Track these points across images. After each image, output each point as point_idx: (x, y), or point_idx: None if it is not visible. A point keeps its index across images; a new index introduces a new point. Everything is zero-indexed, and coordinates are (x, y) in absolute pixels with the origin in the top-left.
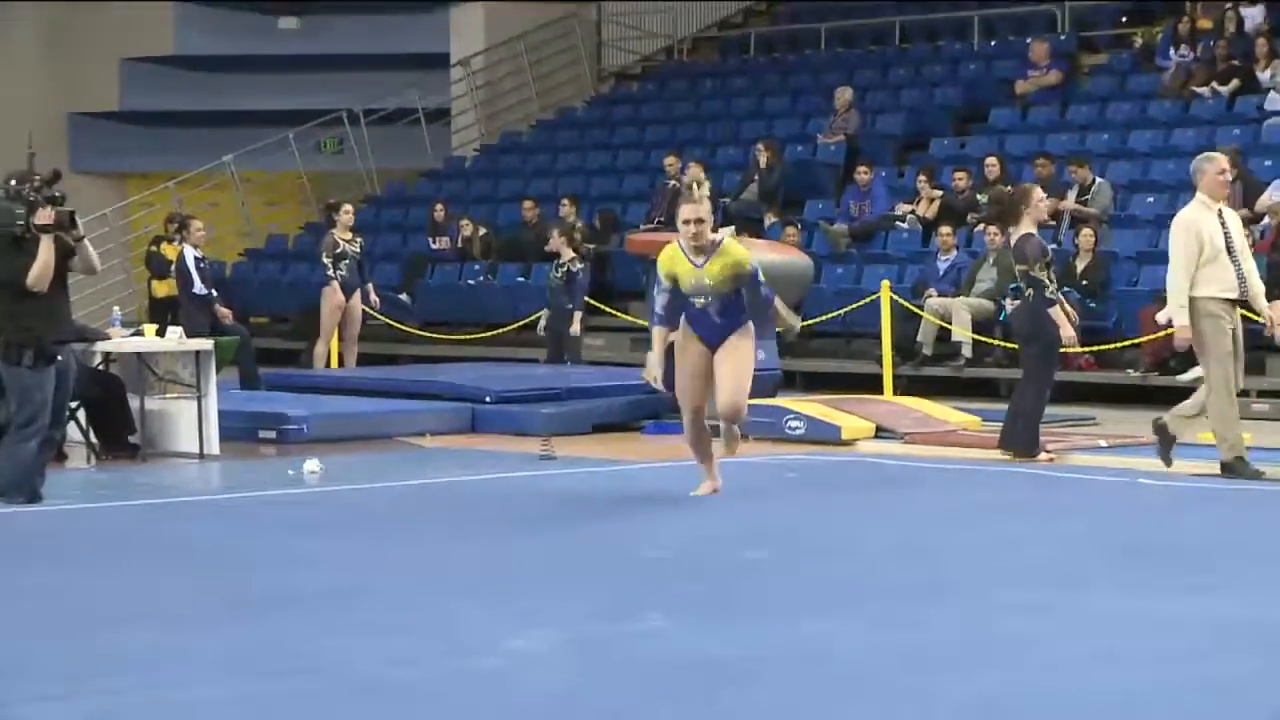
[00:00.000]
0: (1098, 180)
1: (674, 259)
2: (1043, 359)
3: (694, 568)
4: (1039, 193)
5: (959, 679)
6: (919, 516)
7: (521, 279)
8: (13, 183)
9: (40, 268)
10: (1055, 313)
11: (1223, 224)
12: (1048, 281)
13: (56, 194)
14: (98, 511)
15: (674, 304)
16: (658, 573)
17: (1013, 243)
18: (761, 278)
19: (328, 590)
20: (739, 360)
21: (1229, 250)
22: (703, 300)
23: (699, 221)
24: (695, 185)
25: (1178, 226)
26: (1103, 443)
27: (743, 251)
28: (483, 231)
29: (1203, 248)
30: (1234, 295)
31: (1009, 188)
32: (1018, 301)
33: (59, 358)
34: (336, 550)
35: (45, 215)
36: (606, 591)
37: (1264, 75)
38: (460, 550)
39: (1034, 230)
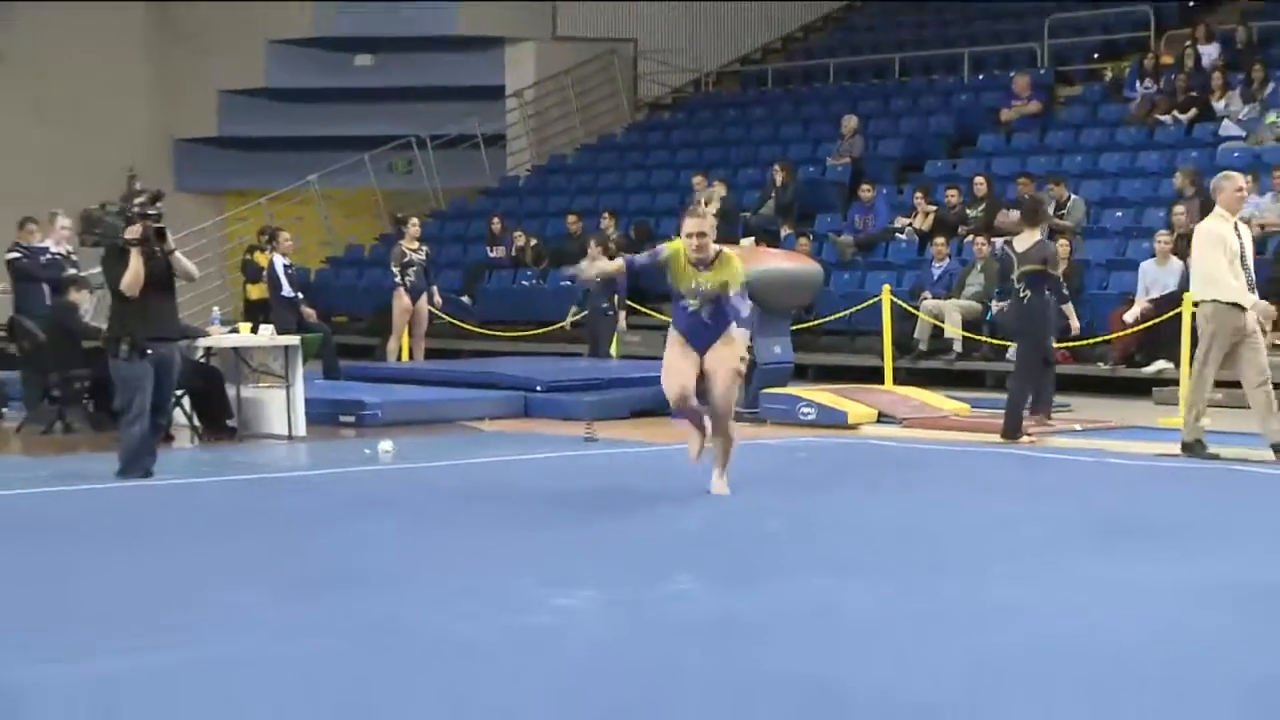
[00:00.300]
0: (1073, 197)
1: (680, 253)
2: (1031, 353)
3: (718, 537)
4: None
5: (959, 638)
6: (918, 493)
7: (567, 284)
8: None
9: (130, 276)
10: (1068, 307)
11: (1238, 235)
12: (1062, 280)
13: (150, 211)
14: (200, 486)
15: (652, 267)
16: (686, 541)
17: (1021, 248)
18: (745, 299)
19: (394, 558)
20: (727, 358)
21: (1241, 258)
22: (695, 303)
23: (701, 235)
24: (701, 201)
25: (1204, 236)
26: (1077, 426)
27: (739, 267)
28: (534, 242)
29: (1225, 254)
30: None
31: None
32: (1005, 303)
33: (150, 351)
34: (403, 521)
35: (134, 231)
36: (642, 557)
37: (1219, 105)
38: (512, 521)
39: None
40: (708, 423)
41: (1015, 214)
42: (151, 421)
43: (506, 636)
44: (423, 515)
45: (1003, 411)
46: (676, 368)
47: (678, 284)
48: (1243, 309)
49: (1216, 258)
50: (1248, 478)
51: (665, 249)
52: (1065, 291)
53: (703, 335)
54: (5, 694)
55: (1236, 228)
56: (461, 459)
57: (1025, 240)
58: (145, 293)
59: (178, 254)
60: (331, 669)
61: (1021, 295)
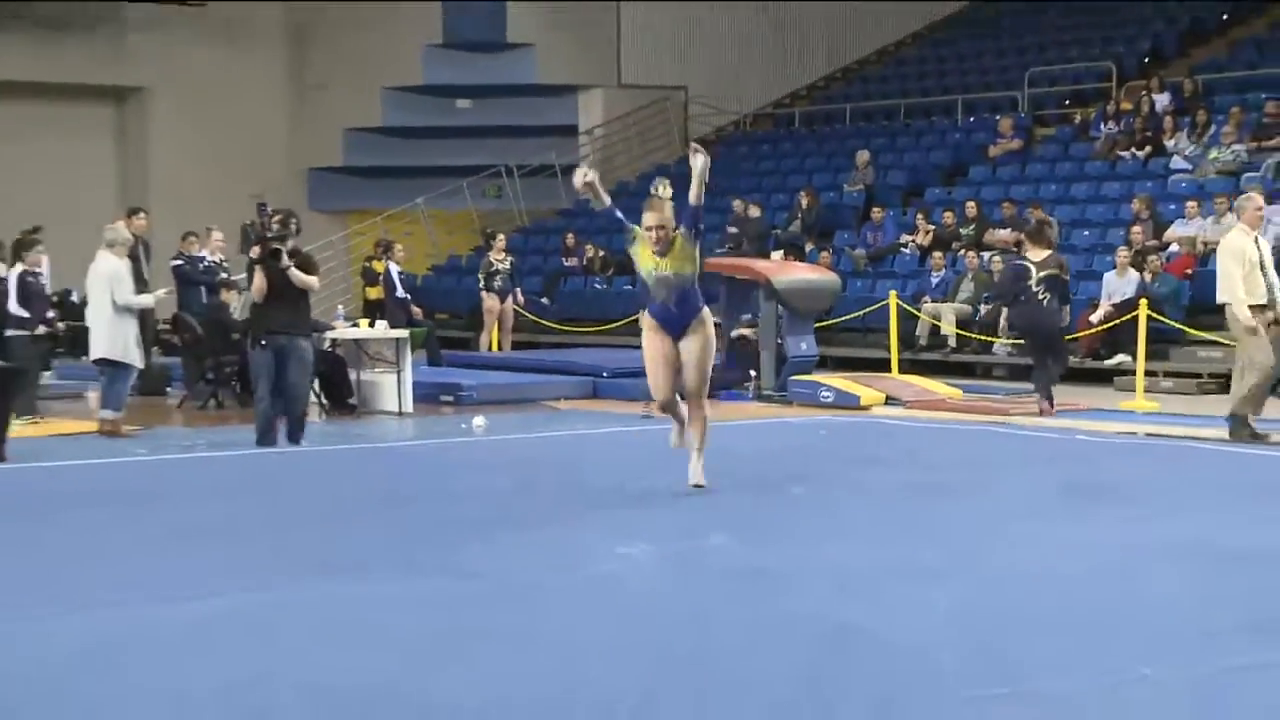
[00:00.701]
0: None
1: (644, 243)
2: (1043, 345)
3: (750, 501)
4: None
5: (951, 590)
6: (919, 465)
7: (629, 287)
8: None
9: (255, 286)
10: (1066, 308)
11: (1258, 247)
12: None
13: (269, 234)
14: (326, 453)
15: (619, 226)
16: (724, 504)
17: (1036, 259)
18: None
19: (480, 514)
20: (700, 349)
21: (1261, 267)
22: (663, 294)
23: (660, 228)
24: (659, 189)
25: (1226, 248)
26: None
27: (686, 248)
28: (601, 253)
29: (1243, 264)
30: (1263, 301)
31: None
32: (990, 306)
33: (265, 344)
34: (490, 483)
35: (254, 251)
36: (686, 517)
37: (1169, 143)
38: (580, 483)
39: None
40: (684, 411)
41: (1002, 232)
42: (273, 400)
43: (576, 583)
44: (507, 478)
45: (986, 395)
46: (656, 380)
47: (641, 266)
48: (1262, 308)
49: (1234, 268)
50: (1193, 452)
51: (634, 229)
52: (1067, 293)
53: (674, 322)
54: (134, 627)
55: (1256, 241)
56: (542, 432)
57: (1038, 253)
58: (269, 298)
59: (293, 269)
60: (421, 607)
61: (1041, 298)
